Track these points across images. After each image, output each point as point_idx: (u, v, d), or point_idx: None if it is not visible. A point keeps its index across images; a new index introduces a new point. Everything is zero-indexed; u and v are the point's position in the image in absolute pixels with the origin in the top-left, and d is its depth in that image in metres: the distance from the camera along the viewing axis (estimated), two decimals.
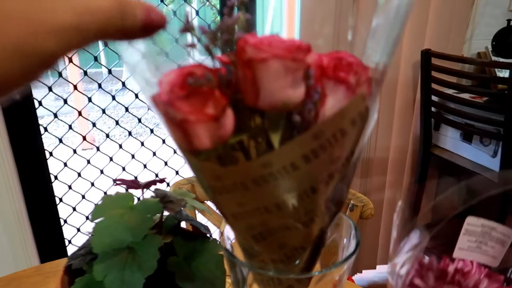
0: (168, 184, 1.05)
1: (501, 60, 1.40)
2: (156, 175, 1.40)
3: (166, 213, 0.47)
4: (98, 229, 0.38)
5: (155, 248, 0.39)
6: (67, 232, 1.33)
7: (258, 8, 1.36)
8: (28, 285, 0.66)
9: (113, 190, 0.48)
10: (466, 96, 1.34)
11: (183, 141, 0.23)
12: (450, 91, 1.38)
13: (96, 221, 0.39)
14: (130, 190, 0.48)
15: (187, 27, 0.23)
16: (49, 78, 1.25)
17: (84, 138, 1.32)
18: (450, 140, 1.45)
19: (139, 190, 0.49)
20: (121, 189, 0.48)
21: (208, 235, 0.49)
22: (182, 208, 0.46)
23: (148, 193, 0.49)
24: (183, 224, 0.51)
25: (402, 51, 1.39)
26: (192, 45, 0.23)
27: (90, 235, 0.47)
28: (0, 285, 0.65)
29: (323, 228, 0.28)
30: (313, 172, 0.23)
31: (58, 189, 1.28)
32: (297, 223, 0.26)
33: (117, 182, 0.49)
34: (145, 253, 0.39)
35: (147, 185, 0.48)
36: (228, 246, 0.34)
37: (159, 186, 0.50)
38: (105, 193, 1.31)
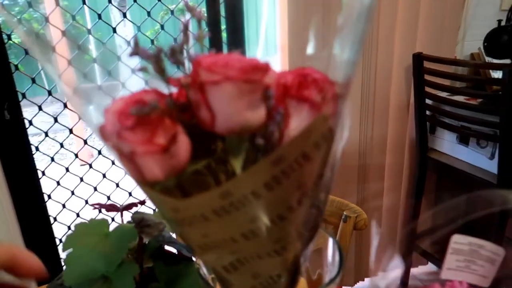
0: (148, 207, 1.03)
1: (494, 61, 1.39)
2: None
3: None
4: (70, 260, 0.37)
5: (131, 276, 0.37)
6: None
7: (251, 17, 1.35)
8: None
9: (92, 213, 0.46)
10: (460, 98, 1.32)
11: (135, 173, 0.22)
12: (444, 94, 1.37)
13: (68, 251, 0.37)
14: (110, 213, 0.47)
15: (136, 51, 0.22)
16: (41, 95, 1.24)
17: (77, 156, 1.31)
18: (446, 143, 1.43)
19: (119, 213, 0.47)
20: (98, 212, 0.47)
21: (193, 257, 0.47)
22: (162, 232, 0.44)
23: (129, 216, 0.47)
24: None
25: (394, 55, 1.38)
26: (143, 69, 0.22)
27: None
28: None
29: (297, 255, 0.26)
30: (278, 200, 0.22)
31: (52, 208, 1.27)
32: (268, 251, 0.24)
33: (95, 206, 0.48)
34: (121, 282, 0.37)
35: (126, 208, 0.47)
36: (205, 272, 0.32)
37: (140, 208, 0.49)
38: (77, 214, 1.30)
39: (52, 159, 1.25)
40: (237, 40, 1.32)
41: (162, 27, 1.27)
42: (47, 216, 1.26)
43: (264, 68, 0.20)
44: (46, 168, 1.22)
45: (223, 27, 1.27)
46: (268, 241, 0.23)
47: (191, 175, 0.22)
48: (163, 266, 0.44)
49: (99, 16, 1.19)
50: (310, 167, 0.22)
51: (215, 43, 1.28)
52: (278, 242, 0.24)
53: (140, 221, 0.43)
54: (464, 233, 0.32)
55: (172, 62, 0.22)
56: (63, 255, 1.30)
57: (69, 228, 1.30)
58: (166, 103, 0.21)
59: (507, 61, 1.30)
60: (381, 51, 1.36)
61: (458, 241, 0.32)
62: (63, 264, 1.31)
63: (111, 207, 0.46)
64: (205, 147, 0.22)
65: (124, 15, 1.24)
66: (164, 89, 0.22)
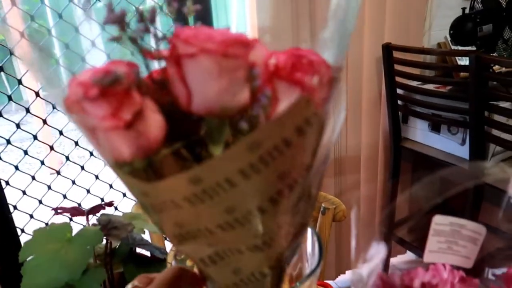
0: (116, 208, 0.99)
1: (460, 48, 1.42)
2: (102, 200, 1.34)
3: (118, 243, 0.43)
4: (29, 269, 0.33)
5: (97, 283, 0.35)
6: None
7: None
8: None
9: (56, 219, 0.43)
10: (430, 86, 1.34)
11: (102, 151, 0.20)
12: (414, 83, 1.38)
13: (27, 260, 0.34)
14: (75, 218, 0.44)
15: (111, 18, 0.20)
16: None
17: (43, 163, 1.25)
18: (419, 132, 1.45)
19: (84, 217, 0.44)
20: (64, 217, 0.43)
21: (165, 258, 0.45)
22: (131, 233, 0.41)
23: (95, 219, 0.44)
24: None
25: (364, 47, 1.39)
26: (117, 38, 0.20)
27: None
28: None
29: (282, 252, 0.24)
30: (257, 190, 0.20)
31: (20, 219, 1.20)
32: (249, 246, 0.22)
33: (58, 210, 0.44)
34: None
35: (92, 211, 0.44)
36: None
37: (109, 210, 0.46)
38: (46, 224, 1.24)
39: (16, 168, 1.18)
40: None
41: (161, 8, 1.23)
42: (13, 227, 1.20)
43: (249, 44, 0.18)
44: (10, 177, 1.16)
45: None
46: (248, 234, 0.22)
47: (163, 157, 0.20)
48: (134, 270, 0.41)
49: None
50: (293, 156, 0.20)
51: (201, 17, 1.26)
52: (259, 236, 0.22)
53: (106, 224, 0.40)
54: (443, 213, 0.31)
55: (141, 29, 0.20)
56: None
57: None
58: (134, 75, 0.19)
59: (473, 48, 1.33)
60: (351, 44, 1.37)
61: (439, 221, 0.31)
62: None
63: (75, 211, 0.43)
64: (182, 128, 0.20)
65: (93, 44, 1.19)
66: (140, 63, 0.21)
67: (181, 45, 0.18)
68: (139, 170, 0.20)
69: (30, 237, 1.11)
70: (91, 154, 1.31)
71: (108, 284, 0.39)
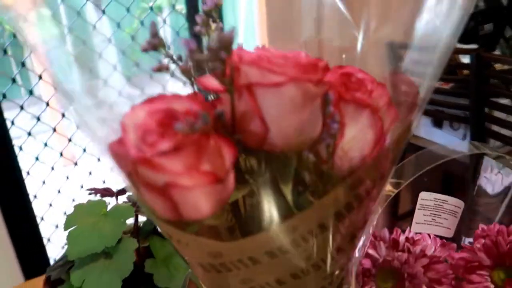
0: None
1: (463, 46, 1.46)
2: None
3: (144, 218, 0.48)
4: (72, 238, 0.39)
5: (130, 250, 0.40)
6: (51, 250, 1.31)
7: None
8: None
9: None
10: None
11: (163, 210, 0.16)
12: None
13: (70, 230, 0.40)
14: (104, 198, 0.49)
15: (154, 43, 0.17)
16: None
17: (61, 155, 1.32)
18: (422, 127, 1.49)
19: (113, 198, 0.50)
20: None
21: None
22: None
23: (122, 200, 0.49)
24: None
25: (368, 43, 1.43)
26: (162, 68, 0.18)
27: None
28: None
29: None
30: (344, 230, 0.18)
31: (39, 208, 1.27)
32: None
33: (90, 190, 0.50)
34: (121, 257, 0.40)
35: (120, 192, 0.49)
36: None
37: None
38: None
39: (37, 159, 1.25)
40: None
41: (142, 23, 1.28)
42: (33, 215, 1.26)
43: (325, 67, 0.17)
44: (30, 168, 1.22)
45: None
46: (320, 277, 0.19)
47: (233, 206, 0.18)
48: (159, 243, 0.47)
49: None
50: (382, 183, 0.19)
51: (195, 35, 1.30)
52: (330, 276, 0.20)
53: (135, 202, 0.45)
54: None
55: (212, 58, 0.15)
56: (51, 253, 1.30)
57: (56, 227, 1.31)
58: (217, 116, 0.16)
59: (475, 46, 1.36)
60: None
61: (425, 197, 0.36)
62: (51, 262, 1.32)
63: (106, 192, 0.49)
64: (248, 169, 0.18)
65: (103, 12, 1.25)
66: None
67: (252, 71, 0.15)
68: (211, 226, 0.17)
69: (49, 224, 1.17)
70: None
71: (136, 255, 0.45)
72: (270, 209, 0.17)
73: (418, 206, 0.36)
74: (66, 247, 0.46)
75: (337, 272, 0.20)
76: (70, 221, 0.41)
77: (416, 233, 0.35)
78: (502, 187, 0.30)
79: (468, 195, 0.34)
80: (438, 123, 1.41)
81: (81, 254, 0.39)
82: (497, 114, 1.17)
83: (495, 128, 1.19)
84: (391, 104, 0.19)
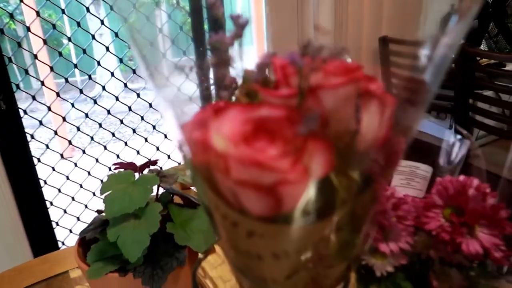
0: (160, 168, 1.13)
1: None
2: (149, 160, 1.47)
3: (161, 190, 0.56)
4: (108, 200, 0.47)
5: (156, 212, 0.48)
6: (60, 234, 1.38)
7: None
8: (38, 272, 0.73)
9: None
10: None
11: (261, 205, 0.19)
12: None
13: (105, 194, 0.47)
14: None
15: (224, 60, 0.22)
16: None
17: (70, 143, 1.38)
18: None
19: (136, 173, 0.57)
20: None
21: (197, 205, 0.58)
22: (173, 185, 0.55)
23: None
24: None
25: (362, 39, 1.51)
26: (231, 83, 0.22)
27: (96, 214, 0.55)
28: (13, 274, 0.72)
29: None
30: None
31: (48, 193, 1.34)
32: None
33: (116, 165, 0.57)
34: (149, 216, 0.47)
35: (143, 167, 0.57)
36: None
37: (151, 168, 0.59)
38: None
39: (47, 146, 1.32)
40: (218, 28, 1.41)
41: (169, 16, 1.35)
42: (43, 200, 1.33)
43: (358, 68, 0.22)
44: (41, 155, 1.29)
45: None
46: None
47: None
48: (177, 210, 0.54)
49: (78, 24, 1.25)
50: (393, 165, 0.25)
51: (198, 32, 1.37)
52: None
53: (158, 173, 0.53)
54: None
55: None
56: (59, 236, 1.37)
57: (65, 211, 1.38)
58: (316, 117, 0.18)
59: (461, 41, 1.45)
60: (350, 35, 1.49)
61: (401, 164, 0.44)
62: (60, 245, 1.38)
63: (130, 166, 0.56)
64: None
65: (102, 22, 1.31)
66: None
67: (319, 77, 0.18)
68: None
69: (58, 209, 1.23)
70: (113, 135, 1.44)
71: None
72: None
73: (395, 172, 0.44)
74: (74, 231, 0.53)
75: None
76: (105, 187, 0.48)
77: None
78: (460, 155, 0.38)
79: (435, 162, 0.42)
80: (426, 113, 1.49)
81: (116, 213, 0.46)
82: (481, 105, 1.26)
83: (479, 118, 1.28)
84: (386, 92, 0.23)
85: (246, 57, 0.23)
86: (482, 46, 1.54)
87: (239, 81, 0.23)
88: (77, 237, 0.54)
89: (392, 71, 1.49)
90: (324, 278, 0.25)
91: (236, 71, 0.23)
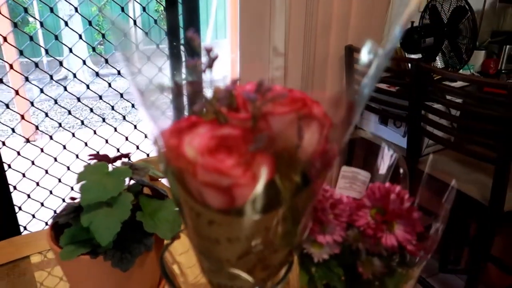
0: (129, 159, 1.16)
1: (412, 55, 1.65)
2: (118, 150, 1.49)
3: (132, 182, 0.61)
4: (84, 188, 0.51)
5: (128, 201, 0.53)
6: (22, 219, 1.38)
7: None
8: (3, 255, 0.75)
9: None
10: (383, 85, 1.57)
11: (218, 201, 0.25)
12: None
13: (81, 183, 0.52)
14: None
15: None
16: None
17: (37, 128, 1.38)
18: (371, 123, 1.68)
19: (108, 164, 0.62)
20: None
21: (165, 196, 0.63)
22: (143, 178, 0.60)
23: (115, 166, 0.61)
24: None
25: (330, 47, 1.59)
26: (203, 107, 0.27)
27: (69, 200, 0.59)
28: None
29: None
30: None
31: (12, 178, 1.33)
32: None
33: (91, 156, 0.62)
34: (121, 205, 0.52)
35: (115, 159, 0.61)
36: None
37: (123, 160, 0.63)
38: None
39: (13, 130, 1.31)
40: (193, 22, 1.44)
41: (144, 9, 1.36)
42: (7, 184, 1.33)
43: (307, 98, 0.28)
44: (6, 138, 1.29)
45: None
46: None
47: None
48: (146, 201, 0.59)
49: (51, 10, 1.26)
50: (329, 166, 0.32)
51: (172, 25, 1.40)
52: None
53: (131, 166, 0.58)
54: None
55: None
56: (22, 221, 1.37)
57: (28, 196, 1.38)
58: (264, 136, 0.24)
59: (419, 55, 1.56)
60: (318, 44, 1.57)
61: (345, 170, 0.51)
62: (21, 230, 1.38)
63: (104, 158, 0.60)
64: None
65: (76, 10, 1.31)
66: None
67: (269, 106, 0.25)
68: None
69: (21, 194, 1.24)
70: (82, 122, 1.45)
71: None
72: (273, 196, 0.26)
73: (340, 175, 0.51)
74: (37, 216, 0.57)
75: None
76: (81, 176, 0.52)
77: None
78: (390, 165, 0.46)
79: (373, 170, 0.50)
80: (384, 121, 1.60)
81: (91, 201, 0.51)
82: (432, 116, 1.37)
83: (429, 128, 1.39)
84: (326, 115, 0.28)
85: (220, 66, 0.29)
86: (437, 61, 1.67)
87: (209, 94, 0.29)
88: (40, 222, 0.58)
89: (356, 78, 1.58)
90: (270, 260, 0.31)
91: (206, 85, 0.29)
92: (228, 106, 0.27)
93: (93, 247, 0.53)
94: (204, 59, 0.28)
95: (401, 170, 0.44)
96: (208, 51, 0.27)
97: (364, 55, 0.30)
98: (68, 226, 0.55)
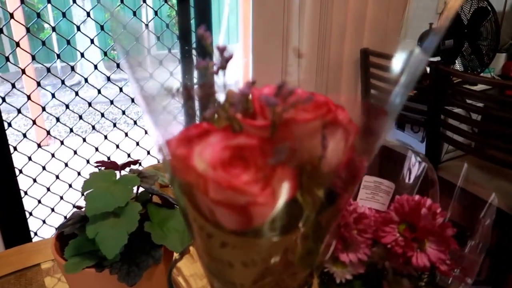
0: (140, 164, 1.14)
1: (430, 58, 1.61)
2: (128, 156, 1.48)
3: (140, 189, 0.58)
4: (90, 198, 0.48)
5: (136, 211, 0.50)
6: (33, 224, 1.37)
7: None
8: (14, 262, 0.73)
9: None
10: None
11: (233, 221, 0.22)
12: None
13: (87, 191, 0.49)
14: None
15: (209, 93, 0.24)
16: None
17: (48, 133, 1.37)
18: None
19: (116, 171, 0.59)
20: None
21: (175, 205, 0.60)
22: (152, 186, 0.57)
23: (123, 173, 0.59)
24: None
25: (344, 50, 1.55)
26: (215, 111, 0.24)
27: (74, 209, 0.56)
28: None
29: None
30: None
31: (23, 183, 1.33)
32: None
33: (98, 163, 0.59)
34: (128, 215, 0.50)
35: (124, 166, 0.59)
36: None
37: (133, 167, 0.61)
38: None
39: (24, 135, 1.30)
40: (205, 26, 1.42)
41: (155, 13, 1.35)
42: (18, 189, 1.32)
43: (327, 102, 0.24)
44: (18, 143, 1.28)
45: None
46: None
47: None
48: (155, 210, 0.56)
49: (63, 15, 1.25)
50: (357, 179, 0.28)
51: (184, 29, 1.39)
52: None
53: (139, 173, 0.55)
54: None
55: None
56: (32, 227, 1.36)
57: (39, 202, 1.37)
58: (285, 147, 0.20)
59: (438, 58, 1.51)
60: (333, 47, 1.53)
61: (367, 180, 0.47)
62: (32, 236, 1.38)
63: (112, 165, 0.58)
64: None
65: (88, 14, 1.31)
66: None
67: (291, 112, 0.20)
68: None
69: (32, 199, 1.23)
70: (93, 127, 1.44)
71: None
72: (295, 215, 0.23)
73: (361, 186, 0.48)
74: (48, 222, 0.55)
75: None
76: (87, 185, 0.50)
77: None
78: (417, 174, 0.42)
79: (397, 179, 0.46)
80: (401, 126, 1.55)
81: (96, 211, 0.48)
82: (451, 121, 1.32)
83: (449, 133, 1.34)
84: (352, 121, 0.25)
85: (233, 71, 0.26)
86: (457, 64, 1.62)
87: (222, 98, 0.26)
88: (50, 228, 0.56)
89: (372, 82, 1.54)
90: (288, 283, 0.28)
91: (219, 89, 0.26)
92: (244, 111, 0.23)
93: (99, 259, 0.50)
94: (216, 60, 0.26)
95: (430, 182, 0.40)
96: (222, 50, 0.24)
97: (396, 61, 0.26)
98: (74, 236, 0.53)
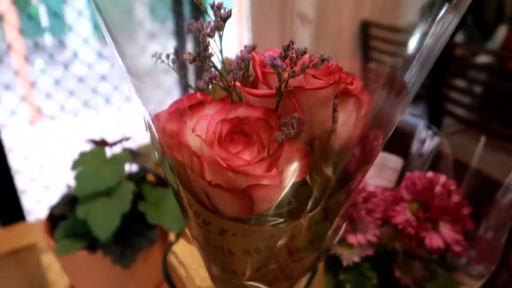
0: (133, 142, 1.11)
1: None
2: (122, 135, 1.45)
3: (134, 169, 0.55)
4: (79, 177, 0.45)
5: (128, 191, 0.47)
6: (26, 202, 1.35)
7: None
8: (8, 243, 0.71)
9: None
10: None
11: (234, 207, 0.19)
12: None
13: (77, 170, 0.46)
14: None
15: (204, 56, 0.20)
16: None
17: (39, 111, 1.33)
18: None
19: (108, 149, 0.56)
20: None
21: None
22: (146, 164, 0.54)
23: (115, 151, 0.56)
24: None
25: (343, 22, 1.50)
26: (211, 79, 0.20)
27: (67, 188, 0.54)
28: None
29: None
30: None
31: (15, 161, 1.29)
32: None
33: (89, 140, 0.56)
34: (120, 196, 0.47)
35: (115, 143, 0.55)
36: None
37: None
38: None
39: (14, 112, 1.26)
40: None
41: None
42: (8, 167, 1.29)
43: (336, 68, 0.21)
44: (7, 120, 1.24)
45: None
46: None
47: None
48: (149, 189, 0.54)
49: None
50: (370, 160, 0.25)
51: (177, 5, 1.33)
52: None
53: (131, 151, 0.52)
54: None
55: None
56: (33, 194, 1.34)
57: (32, 180, 1.34)
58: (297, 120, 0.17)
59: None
60: (331, 19, 1.47)
61: None
62: (25, 214, 1.35)
63: (103, 142, 0.55)
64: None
65: None
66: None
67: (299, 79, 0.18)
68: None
69: (25, 177, 1.20)
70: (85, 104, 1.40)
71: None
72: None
73: None
74: (43, 198, 0.52)
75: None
76: (76, 164, 0.47)
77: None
78: (429, 149, 0.39)
79: (406, 154, 0.43)
80: None
81: (87, 191, 0.45)
82: (453, 94, 1.29)
83: (451, 107, 1.31)
84: (363, 90, 0.22)
85: (226, 44, 0.22)
86: (459, 36, 1.57)
87: (218, 66, 0.23)
88: (44, 206, 0.53)
89: (371, 56, 1.50)
90: (293, 269, 0.26)
91: (215, 57, 0.23)
92: (243, 79, 0.20)
93: (92, 241, 0.48)
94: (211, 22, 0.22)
95: (443, 157, 0.37)
96: (217, 8, 0.21)
97: (414, 36, 0.24)
98: (64, 217, 0.50)
